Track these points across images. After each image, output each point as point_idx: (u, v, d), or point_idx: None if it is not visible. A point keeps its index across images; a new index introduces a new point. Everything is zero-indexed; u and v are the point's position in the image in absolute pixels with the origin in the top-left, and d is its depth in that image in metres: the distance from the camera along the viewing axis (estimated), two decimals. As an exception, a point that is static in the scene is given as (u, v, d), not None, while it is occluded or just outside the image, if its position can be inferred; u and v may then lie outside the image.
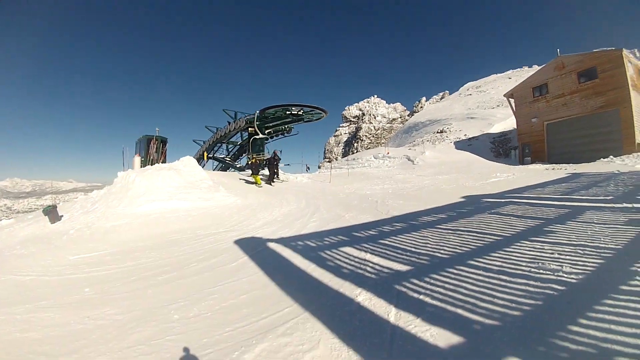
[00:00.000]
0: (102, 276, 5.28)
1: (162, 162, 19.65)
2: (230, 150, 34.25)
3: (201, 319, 3.69)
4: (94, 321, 3.68)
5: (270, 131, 30.76)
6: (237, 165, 32.20)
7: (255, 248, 6.51)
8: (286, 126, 30.71)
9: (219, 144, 33.42)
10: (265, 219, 9.30)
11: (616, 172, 14.15)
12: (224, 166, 33.75)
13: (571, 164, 19.84)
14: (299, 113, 27.23)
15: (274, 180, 18.90)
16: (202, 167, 20.91)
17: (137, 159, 19.26)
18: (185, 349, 3.09)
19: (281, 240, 6.92)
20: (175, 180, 12.62)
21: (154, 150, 21.94)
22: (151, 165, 15.27)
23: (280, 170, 18.79)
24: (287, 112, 27.05)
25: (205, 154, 31.38)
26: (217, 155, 34.30)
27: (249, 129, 27.56)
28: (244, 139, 30.79)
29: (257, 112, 26.89)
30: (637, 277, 3.75)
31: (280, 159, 19.62)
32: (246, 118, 27.91)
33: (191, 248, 6.70)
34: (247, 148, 29.15)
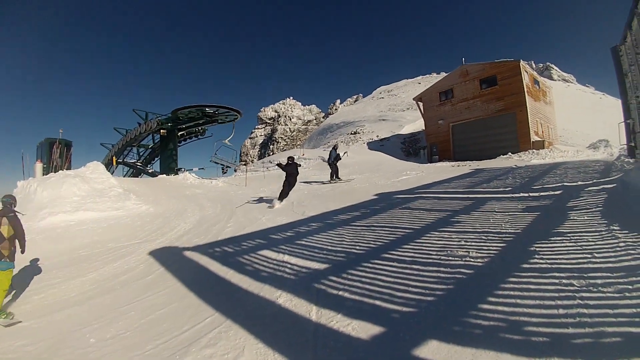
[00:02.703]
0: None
1: (66, 169, 18.03)
2: (141, 154, 32.11)
3: (119, 340, 3.52)
4: (3, 356, 3.34)
5: (183, 133, 29.71)
6: (149, 171, 30.20)
7: (171, 258, 6.29)
8: (200, 128, 29.88)
9: (129, 148, 31.01)
10: (181, 226, 8.94)
11: (514, 166, 15.65)
12: (135, 172, 31.33)
13: (474, 161, 21.36)
14: (214, 113, 26.53)
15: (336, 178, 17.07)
16: (112, 173, 19.62)
17: (39, 166, 17.60)
18: None
19: (198, 248, 6.74)
20: (82, 189, 11.61)
21: (57, 155, 20.13)
22: (55, 172, 13.88)
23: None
24: (201, 113, 26.25)
25: (114, 158, 29.18)
26: (128, 160, 31.65)
27: (161, 130, 26.30)
28: (156, 142, 29.37)
29: (170, 113, 25.89)
30: (536, 256, 4.16)
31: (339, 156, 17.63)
32: (158, 119, 26.49)
33: (102, 263, 6.28)
34: (159, 152, 27.93)
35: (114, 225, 9.46)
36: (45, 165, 19.27)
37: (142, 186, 16.95)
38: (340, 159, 17.29)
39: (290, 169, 11.50)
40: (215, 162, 26.23)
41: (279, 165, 12.07)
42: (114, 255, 6.72)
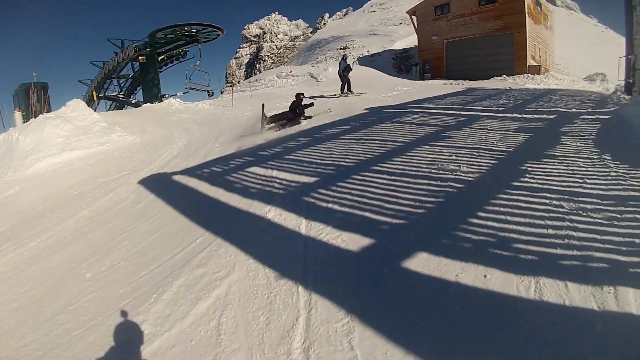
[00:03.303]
0: (5, 254, 4.71)
1: (46, 112, 17.27)
2: (122, 85, 30.50)
3: (114, 270, 3.55)
4: (6, 306, 3.33)
5: (163, 57, 28.45)
6: (133, 102, 29.06)
7: (160, 184, 6.25)
8: (180, 50, 28.48)
9: (109, 81, 29.30)
10: (168, 152, 8.80)
11: (508, 88, 15.24)
12: (119, 104, 30.03)
13: (468, 80, 20.92)
14: (193, 33, 25.23)
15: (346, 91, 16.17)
16: (94, 110, 19.07)
17: (18, 114, 16.82)
18: (103, 305, 2.98)
19: (187, 171, 6.69)
20: (64, 129, 11.24)
21: (34, 99, 19.51)
22: (35, 117, 13.43)
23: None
24: (180, 34, 24.91)
25: (95, 93, 28.20)
26: (109, 93, 30.10)
27: (140, 57, 25.05)
28: (136, 70, 27.94)
29: (147, 37, 24.65)
30: (527, 175, 4.12)
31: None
32: (135, 45, 24.90)
33: (93, 199, 6.22)
34: (140, 81, 26.93)
35: (101, 160, 9.32)
36: (24, 113, 18.54)
37: (126, 117, 16.55)
38: (352, 69, 16.40)
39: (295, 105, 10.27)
40: (191, 88, 26.07)
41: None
42: (104, 190, 6.66)
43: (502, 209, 3.37)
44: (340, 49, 48.46)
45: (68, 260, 4.03)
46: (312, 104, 10.54)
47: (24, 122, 14.92)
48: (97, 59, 29.57)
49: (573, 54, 38.08)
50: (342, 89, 16.02)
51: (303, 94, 10.55)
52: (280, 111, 10.29)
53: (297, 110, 9.94)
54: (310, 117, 10.03)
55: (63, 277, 3.63)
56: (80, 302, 3.09)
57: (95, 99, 27.22)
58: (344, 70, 15.89)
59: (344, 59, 16.66)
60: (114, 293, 3.10)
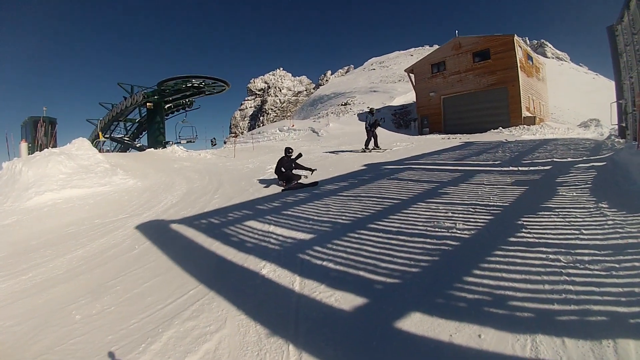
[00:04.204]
0: None
1: (52, 147, 17.60)
2: (128, 128, 31.44)
3: (104, 315, 3.49)
4: None
5: (170, 106, 29.20)
6: (137, 145, 29.74)
7: (157, 231, 6.25)
8: (187, 100, 29.27)
9: (116, 123, 30.30)
10: (167, 199, 8.86)
11: (504, 141, 15.71)
12: (123, 147, 30.91)
13: (465, 134, 21.42)
14: (200, 85, 25.98)
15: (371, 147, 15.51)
16: (99, 150, 19.31)
17: (24, 146, 17.07)
18: (90, 349, 2.92)
19: (184, 220, 6.70)
20: (68, 166, 11.39)
21: (41, 133, 19.76)
22: (40, 151, 13.60)
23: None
24: (188, 85, 25.59)
25: (101, 134, 28.80)
26: (115, 135, 31.00)
27: (147, 104, 25.76)
28: (143, 115, 28.83)
29: (155, 85, 25.31)
30: (523, 230, 4.15)
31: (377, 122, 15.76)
32: (144, 92, 25.78)
33: (89, 240, 6.18)
34: (146, 126, 27.46)
35: (101, 201, 9.33)
36: (30, 145, 18.82)
37: (129, 160, 16.76)
38: (380, 124, 15.91)
39: (286, 164, 9.47)
40: (180, 141, 27.44)
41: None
42: (101, 231, 6.63)
43: (497, 266, 3.38)
44: (342, 104, 49.88)
45: (58, 299, 3.97)
46: (310, 170, 9.73)
47: (29, 154, 15.09)
48: (106, 101, 30.33)
49: (566, 102, 39.36)
50: (366, 143, 15.50)
51: (291, 149, 9.80)
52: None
53: (288, 170, 9.28)
54: (315, 183, 9.02)
55: (51, 316, 3.56)
56: (67, 344, 3.03)
57: (101, 139, 27.57)
58: (372, 125, 15.36)
59: (371, 112, 16.16)
60: (102, 338, 3.04)
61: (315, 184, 8.87)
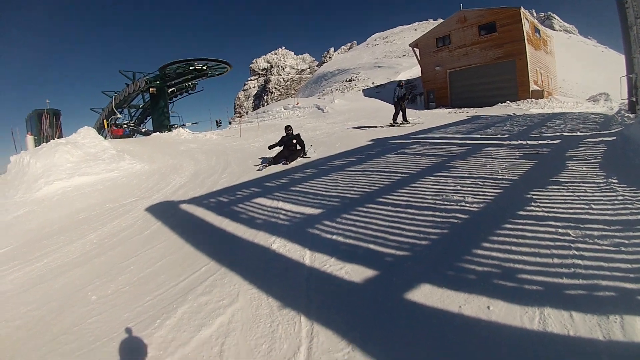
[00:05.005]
0: (12, 273, 4.74)
1: (57, 138, 17.70)
2: (132, 114, 31.75)
3: (120, 295, 3.56)
4: (11, 323, 3.35)
5: (173, 89, 29.19)
6: (143, 130, 29.76)
7: (167, 212, 6.31)
8: (190, 83, 29.38)
9: (120, 110, 30.28)
10: (176, 181, 8.93)
11: (512, 114, 15.46)
12: (129, 133, 31.17)
13: (472, 108, 21.18)
14: (202, 68, 25.94)
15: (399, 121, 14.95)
16: (105, 137, 19.39)
17: (30, 138, 17.50)
18: (108, 327, 2.99)
19: (193, 200, 6.76)
20: (75, 155, 11.45)
21: (46, 125, 19.90)
22: (46, 142, 13.69)
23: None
24: (190, 68, 25.63)
25: (105, 122, 28.90)
26: (119, 122, 30.95)
27: (150, 89, 25.78)
28: (147, 101, 28.93)
29: (157, 70, 25.24)
30: (532, 204, 4.13)
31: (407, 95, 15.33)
32: (146, 78, 25.94)
33: (101, 224, 6.27)
34: (150, 111, 27.50)
35: (110, 187, 9.42)
36: (36, 137, 19.14)
37: (136, 146, 16.77)
38: (408, 99, 15.58)
39: (285, 142, 9.88)
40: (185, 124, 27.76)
41: (272, 147, 10.23)
42: (112, 215, 6.72)
43: (506, 239, 3.37)
44: (346, 81, 49.43)
45: (74, 283, 4.05)
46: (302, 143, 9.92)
47: (35, 146, 15.23)
48: (108, 89, 30.32)
49: (575, 76, 38.59)
50: (394, 117, 15.00)
51: (291, 127, 10.14)
52: (277, 152, 9.90)
53: (290, 147, 9.69)
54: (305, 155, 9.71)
55: (69, 299, 3.65)
56: (85, 323, 3.10)
57: (106, 127, 27.69)
58: (400, 99, 14.86)
59: (400, 85, 15.51)
60: (118, 316, 3.12)
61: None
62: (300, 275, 3.31)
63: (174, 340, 2.66)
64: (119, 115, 27.93)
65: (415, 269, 3.11)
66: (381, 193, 5.37)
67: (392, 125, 14.79)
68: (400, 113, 15.03)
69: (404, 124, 14.95)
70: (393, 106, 15.31)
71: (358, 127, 15.69)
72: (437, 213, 4.26)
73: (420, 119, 16.69)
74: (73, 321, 3.17)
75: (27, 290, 4.03)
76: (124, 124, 30.35)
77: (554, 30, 79.75)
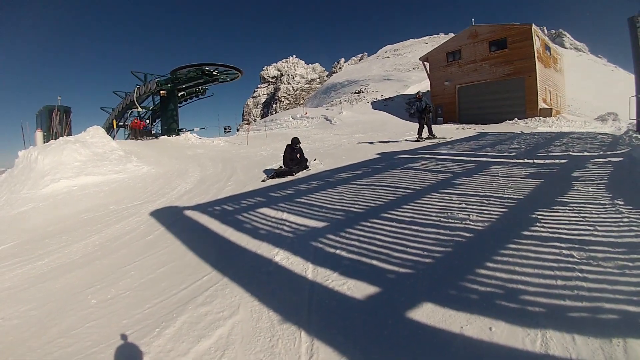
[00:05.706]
0: (12, 270, 4.76)
1: (67, 135, 17.89)
2: (142, 116, 31.54)
3: (119, 300, 3.56)
4: (8, 322, 3.36)
5: (183, 93, 29.34)
6: (152, 132, 29.85)
7: (171, 218, 6.32)
8: (200, 87, 29.47)
9: (130, 111, 30.51)
10: (181, 186, 8.97)
11: (520, 132, 15.44)
12: (149, 129, 31.25)
13: (480, 124, 21.17)
14: (214, 73, 26.05)
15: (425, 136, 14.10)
16: (113, 137, 19.52)
17: (39, 134, 17.60)
18: (106, 333, 2.98)
19: (198, 207, 6.76)
20: (83, 154, 11.57)
21: (56, 122, 20.17)
22: (55, 139, 13.80)
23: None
24: (201, 72, 25.71)
25: (115, 122, 29.11)
26: (128, 122, 30.95)
27: (161, 92, 25.91)
28: (157, 103, 29.02)
29: (169, 73, 25.43)
30: (537, 224, 4.09)
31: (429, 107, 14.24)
32: (157, 80, 25.98)
33: (104, 226, 6.30)
34: (160, 113, 27.65)
35: (115, 188, 9.49)
36: (45, 133, 19.29)
37: (143, 148, 16.91)
38: (431, 111, 14.18)
39: (290, 153, 9.69)
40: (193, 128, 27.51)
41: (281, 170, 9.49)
42: (115, 218, 6.76)
43: (510, 259, 3.33)
44: (355, 92, 49.50)
45: (74, 284, 4.05)
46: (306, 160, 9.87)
47: (44, 142, 15.36)
48: (119, 89, 30.53)
49: (584, 95, 38.56)
50: (419, 132, 14.02)
51: (298, 140, 9.93)
52: (281, 166, 9.62)
53: (293, 161, 9.53)
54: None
55: (68, 301, 3.65)
56: (82, 327, 3.09)
57: (115, 127, 27.85)
58: (422, 112, 13.91)
59: (419, 98, 14.47)
60: (117, 322, 3.10)
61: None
62: (302, 289, 3.29)
63: (172, 350, 2.64)
64: (140, 109, 28.04)
65: (417, 287, 3.08)
66: (386, 208, 5.35)
67: (417, 140, 13.90)
68: (425, 127, 14.11)
69: (429, 138, 14.13)
70: (404, 121, 15.13)
71: (383, 142, 14.86)
72: (442, 231, 4.22)
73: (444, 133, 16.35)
74: (71, 324, 3.16)
75: (26, 289, 4.04)
76: (147, 118, 30.61)
77: (564, 48, 79.82)
